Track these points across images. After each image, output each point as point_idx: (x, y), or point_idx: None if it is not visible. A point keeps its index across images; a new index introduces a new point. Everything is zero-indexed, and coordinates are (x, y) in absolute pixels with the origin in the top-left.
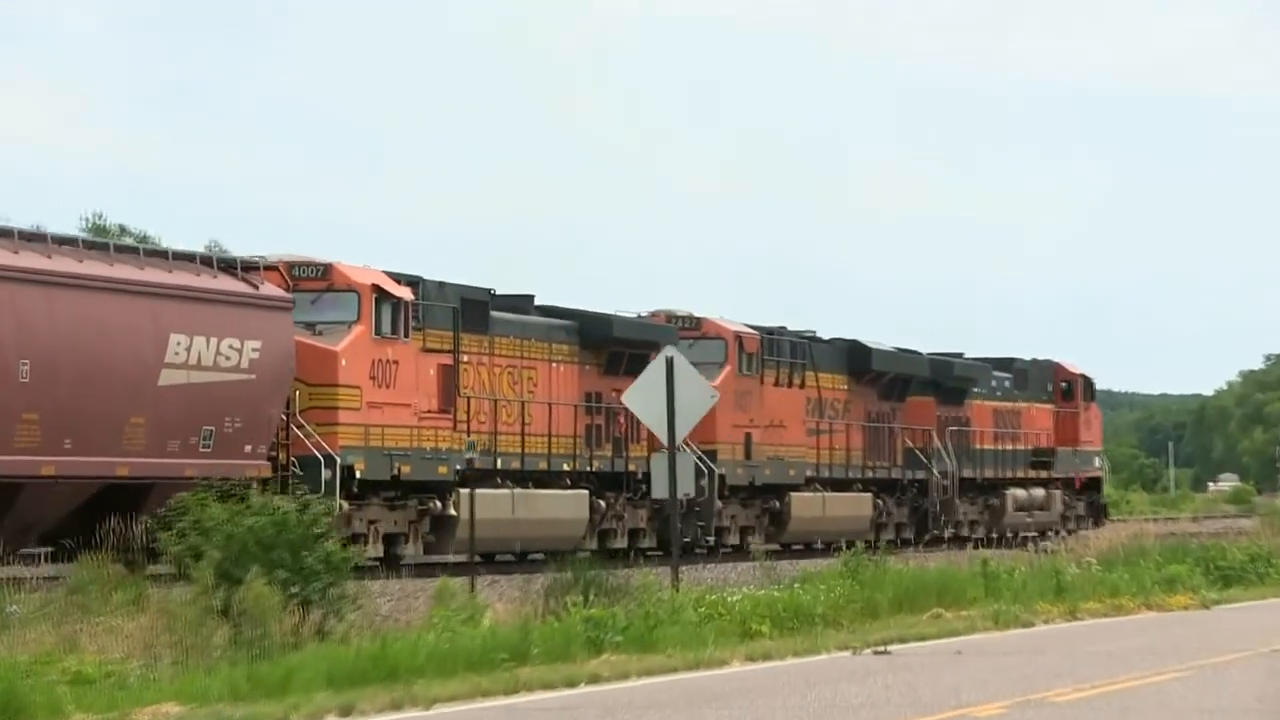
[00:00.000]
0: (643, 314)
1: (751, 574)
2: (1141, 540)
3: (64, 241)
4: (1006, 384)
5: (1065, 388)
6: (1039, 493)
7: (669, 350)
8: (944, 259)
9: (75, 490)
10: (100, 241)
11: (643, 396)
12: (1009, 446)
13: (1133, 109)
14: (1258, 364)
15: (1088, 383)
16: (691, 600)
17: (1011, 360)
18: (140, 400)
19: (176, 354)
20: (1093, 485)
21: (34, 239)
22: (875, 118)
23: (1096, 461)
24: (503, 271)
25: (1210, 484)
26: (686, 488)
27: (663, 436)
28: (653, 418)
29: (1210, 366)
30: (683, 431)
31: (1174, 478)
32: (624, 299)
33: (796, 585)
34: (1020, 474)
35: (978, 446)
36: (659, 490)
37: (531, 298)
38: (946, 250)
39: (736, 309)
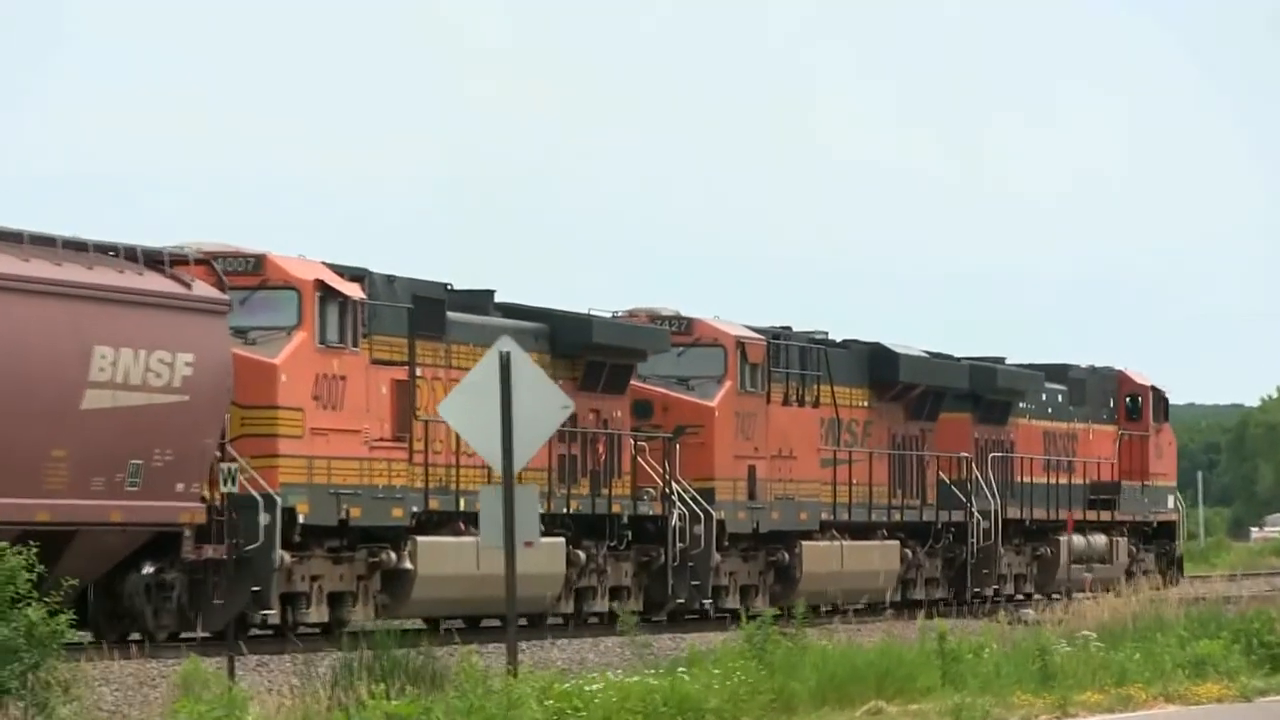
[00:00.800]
0: (618, 313)
1: (618, 653)
2: (1160, 607)
3: None
4: (1059, 398)
5: (1131, 404)
6: (1100, 540)
7: (504, 343)
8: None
9: None
10: (10, 230)
11: (466, 407)
12: (1063, 480)
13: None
14: None
15: (1159, 397)
16: (536, 691)
17: (1066, 368)
18: (62, 428)
19: (102, 370)
20: (1165, 531)
21: None
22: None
23: (1170, 500)
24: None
25: (1255, 529)
26: (529, 532)
27: (492, 460)
28: (480, 436)
29: (1255, 367)
30: (524, 455)
31: (1204, 520)
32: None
33: (681, 670)
34: (1077, 515)
35: (1025, 479)
36: (490, 537)
37: (491, 294)
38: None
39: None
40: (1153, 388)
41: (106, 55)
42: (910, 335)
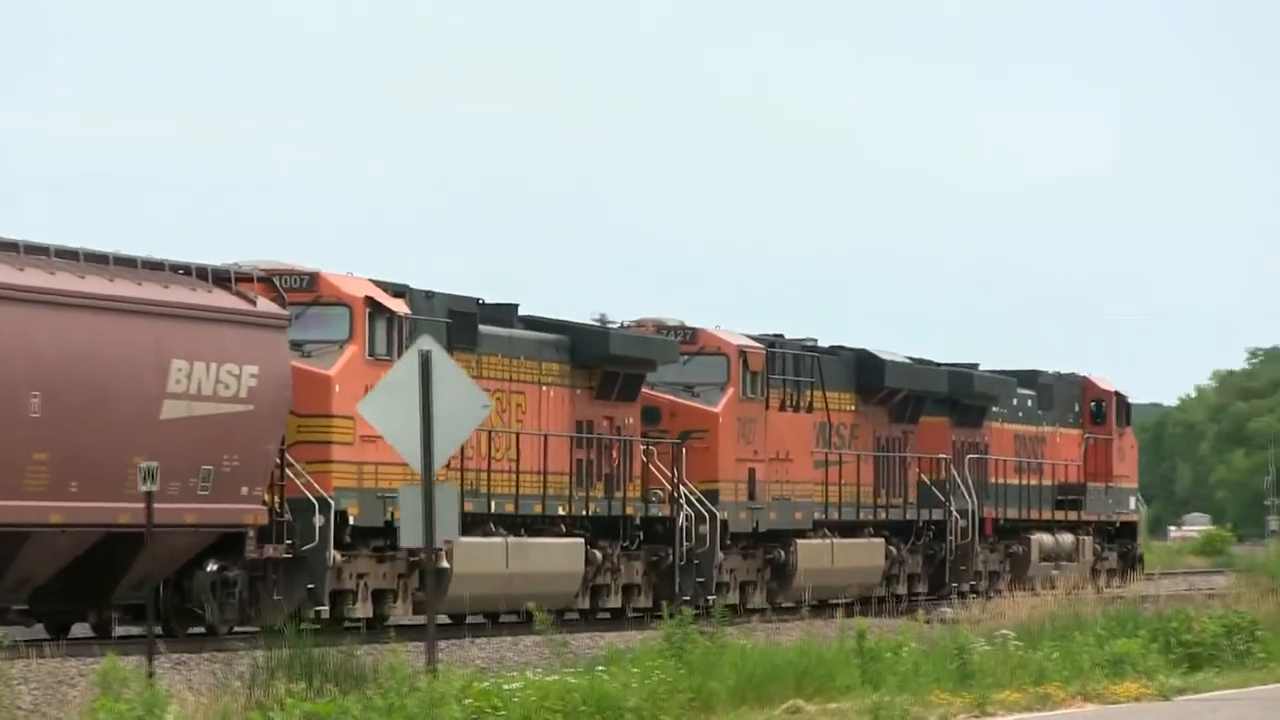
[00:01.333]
0: (625, 323)
1: (537, 651)
2: (1077, 606)
3: (64, 254)
4: (1029, 403)
5: (1095, 408)
6: (1067, 539)
7: (425, 341)
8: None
9: (76, 541)
10: (99, 253)
11: (386, 405)
12: (1033, 481)
13: None
14: (1238, 363)
15: (1122, 402)
16: (456, 690)
17: (1035, 373)
18: (143, 436)
19: (178, 382)
20: (1127, 530)
21: (36, 251)
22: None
23: (1132, 501)
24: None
25: (1173, 528)
26: (449, 531)
27: (411, 459)
28: (399, 434)
29: (1174, 366)
30: (443, 453)
31: None
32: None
33: (600, 669)
34: (1045, 515)
35: (998, 480)
36: (409, 537)
37: (515, 307)
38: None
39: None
40: (1116, 393)
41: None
42: (856, 335)
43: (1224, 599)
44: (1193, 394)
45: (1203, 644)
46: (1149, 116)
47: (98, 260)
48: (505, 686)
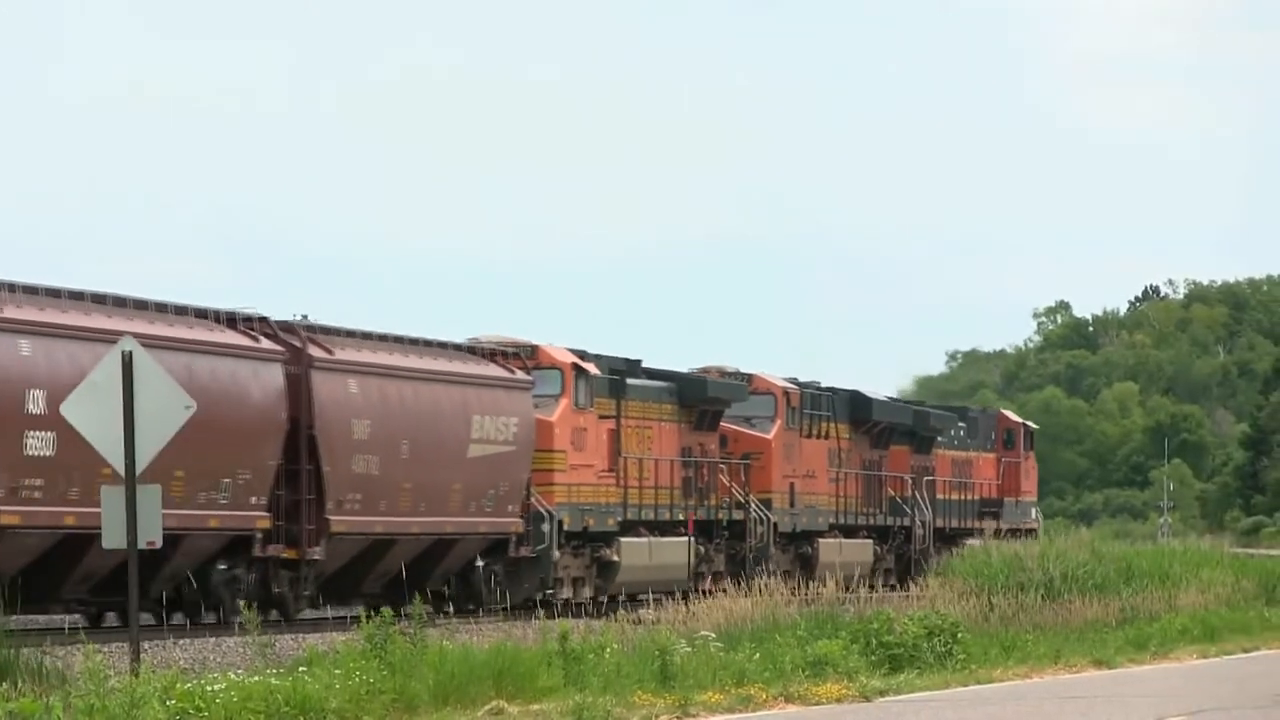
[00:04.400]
0: (693, 370)
1: (240, 653)
2: (775, 609)
3: (412, 341)
4: (961, 432)
5: (1007, 437)
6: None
7: (126, 343)
8: None
9: (420, 544)
10: (428, 340)
11: (88, 406)
12: (965, 496)
13: None
14: (938, 366)
15: (1028, 432)
16: (158, 690)
17: (965, 409)
18: (457, 470)
19: (477, 431)
20: (1031, 534)
21: (401, 340)
22: None
23: (1033, 512)
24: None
25: None
26: (151, 532)
27: (114, 459)
28: (102, 434)
29: (874, 368)
30: (147, 453)
31: None
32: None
33: (302, 670)
34: (972, 524)
35: (943, 496)
36: (112, 539)
37: (640, 362)
38: None
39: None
40: (1023, 424)
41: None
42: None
43: (925, 600)
44: (894, 397)
45: (904, 645)
46: None
47: (431, 344)
48: (208, 688)
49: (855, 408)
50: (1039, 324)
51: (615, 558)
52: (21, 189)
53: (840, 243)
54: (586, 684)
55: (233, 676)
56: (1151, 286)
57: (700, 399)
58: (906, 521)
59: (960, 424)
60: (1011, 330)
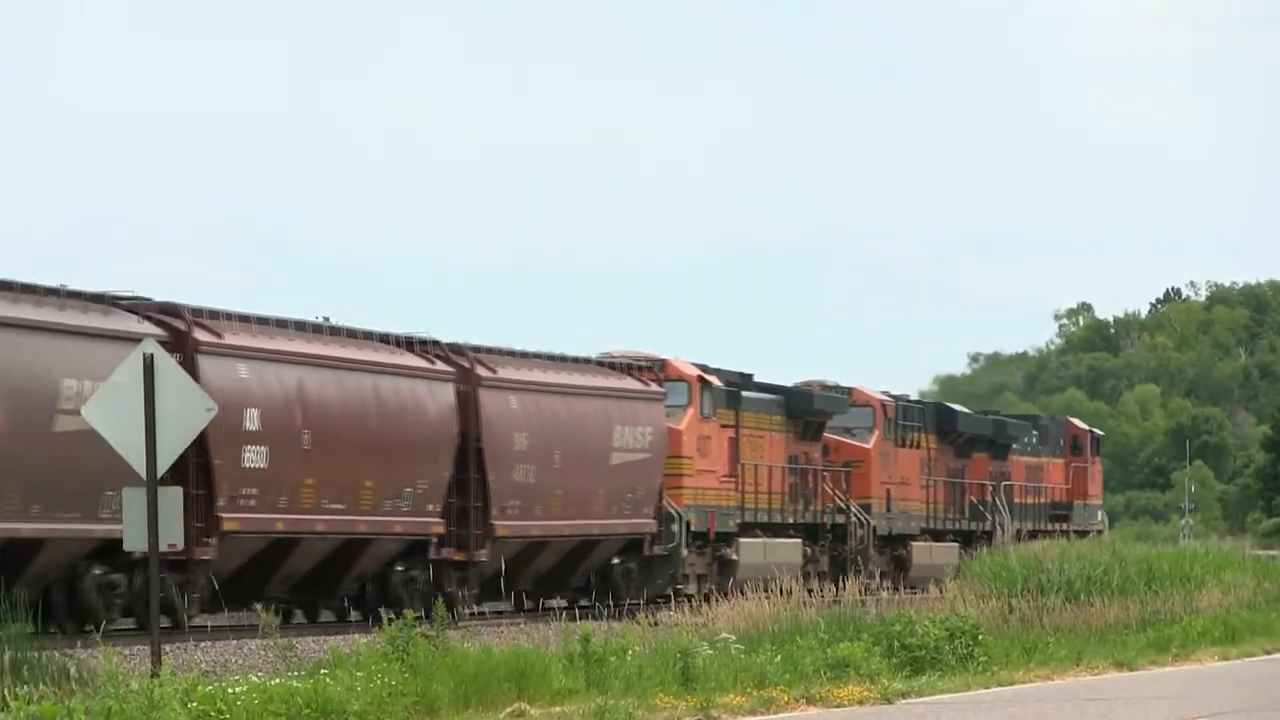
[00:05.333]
0: (798, 383)
1: (261, 655)
2: (797, 611)
3: (561, 358)
4: (1034, 440)
5: (1074, 443)
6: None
7: (148, 346)
8: None
9: (569, 544)
10: (574, 357)
11: (109, 410)
12: (1037, 500)
13: None
14: (960, 367)
15: (1094, 438)
16: (179, 693)
17: (1036, 417)
18: (602, 477)
19: (619, 440)
20: (1096, 537)
21: (549, 357)
22: None
23: (1099, 514)
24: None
25: None
26: (172, 535)
27: (135, 463)
28: (124, 437)
29: (896, 369)
30: (168, 456)
31: None
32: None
33: (323, 672)
34: (1044, 526)
35: (1017, 500)
36: (133, 541)
37: (752, 376)
38: None
39: None
40: (1090, 431)
41: None
42: None
43: (945, 603)
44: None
45: (925, 648)
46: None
47: (579, 361)
48: (229, 690)
49: (942, 419)
50: (1060, 326)
51: (735, 556)
52: (20, 190)
53: (861, 244)
54: (608, 686)
55: (254, 679)
56: (1173, 288)
57: (806, 411)
58: (988, 526)
59: (1033, 432)
60: (1033, 332)
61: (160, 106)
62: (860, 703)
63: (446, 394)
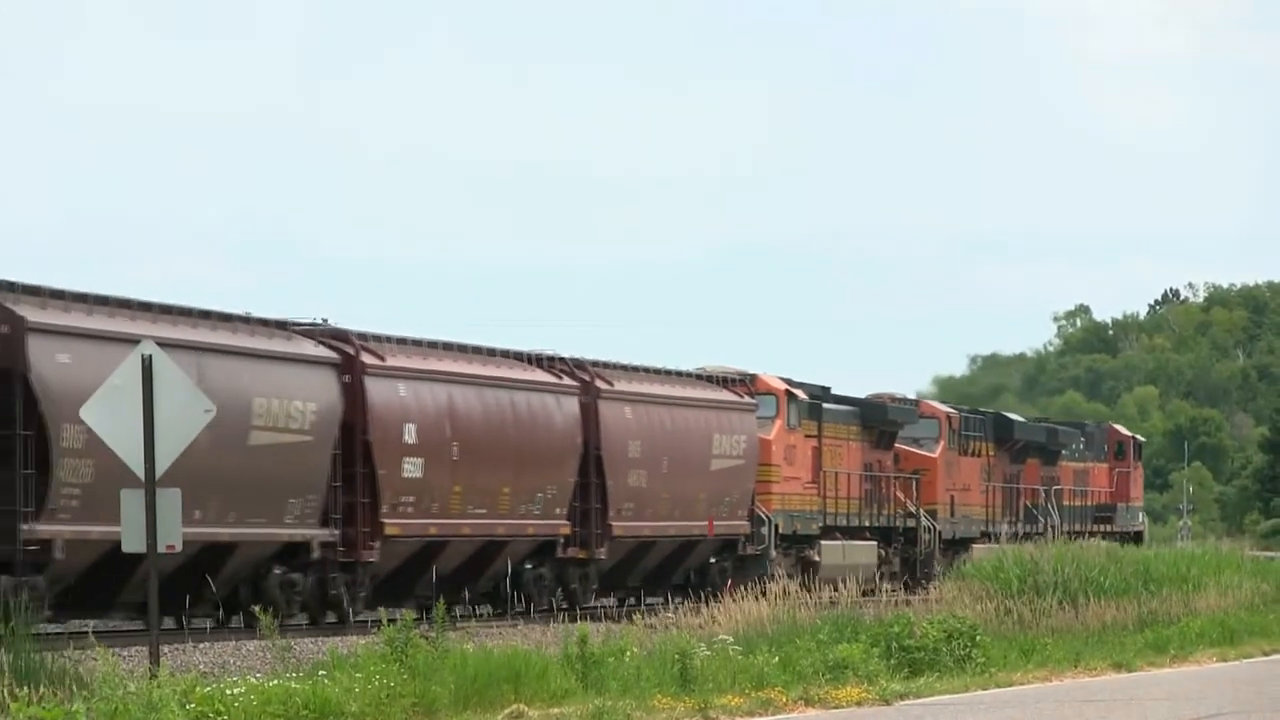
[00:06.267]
0: (869, 395)
1: (259, 656)
2: (795, 612)
3: (666, 372)
4: (1081, 446)
5: (1118, 449)
6: (1104, 544)
7: (146, 347)
8: None
9: (675, 544)
10: (677, 371)
11: (108, 411)
12: (1084, 503)
13: None
14: (959, 369)
15: (1136, 444)
16: (177, 694)
17: (1083, 424)
18: (702, 482)
19: (717, 448)
20: (1137, 538)
21: (655, 371)
22: None
23: (1140, 516)
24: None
25: None
26: (170, 536)
27: (133, 463)
28: (122, 439)
29: (894, 370)
30: (167, 457)
31: None
32: None
33: (322, 673)
34: (1090, 528)
35: (1066, 504)
36: (132, 543)
37: (830, 388)
38: None
39: None
40: (1132, 437)
41: None
42: None
43: (944, 604)
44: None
45: (924, 649)
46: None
47: (682, 375)
48: (228, 691)
49: (999, 428)
50: (1059, 327)
51: (817, 558)
52: (21, 190)
53: (861, 246)
54: (605, 688)
55: (252, 680)
56: (1171, 290)
57: (880, 421)
58: (1040, 528)
59: (1080, 438)
60: (1031, 334)
61: (159, 106)
62: (858, 704)
63: (572, 406)
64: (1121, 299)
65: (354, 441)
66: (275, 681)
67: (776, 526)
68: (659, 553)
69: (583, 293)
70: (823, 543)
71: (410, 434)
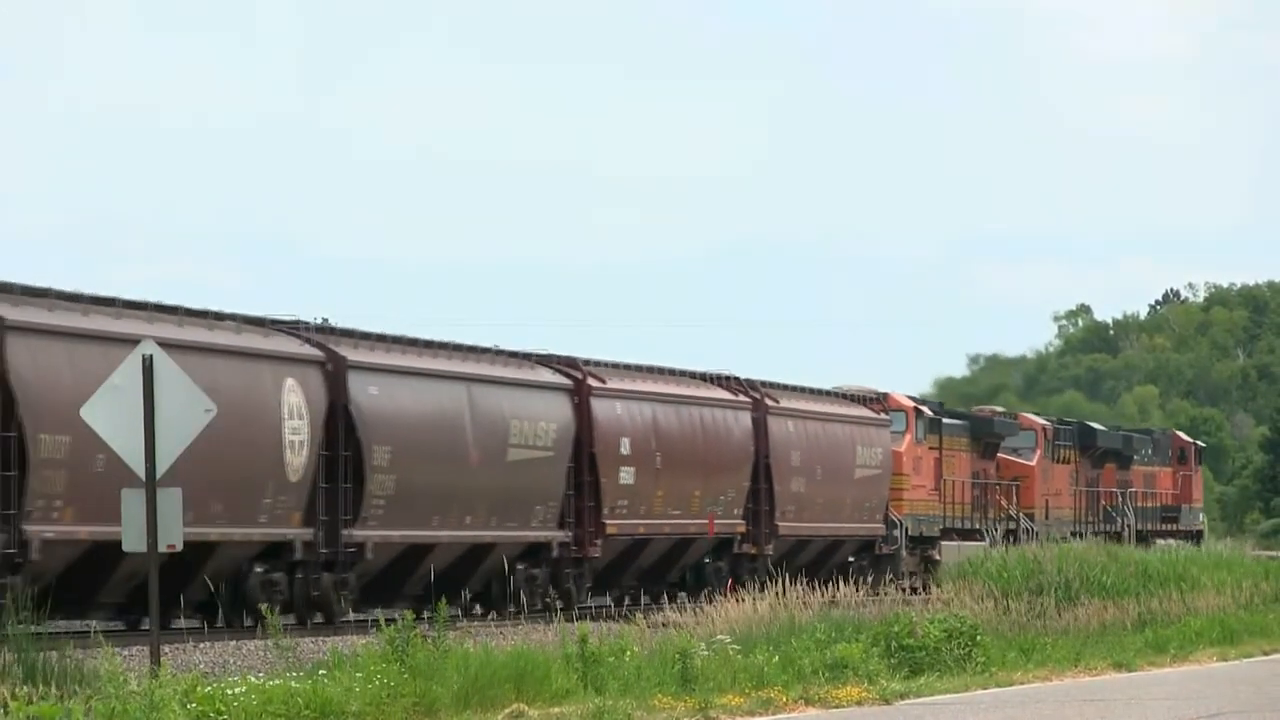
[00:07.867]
0: (973, 410)
1: (260, 656)
2: (793, 611)
3: (814, 390)
4: (1149, 451)
5: (1180, 454)
6: (1172, 542)
7: (147, 346)
8: None
9: (819, 545)
10: (823, 390)
11: (108, 410)
12: (1152, 504)
13: None
14: (959, 369)
15: (1198, 449)
16: (178, 694)
17: (1150, 431)
18: (847, 489)
19: (860, 459)
20: (1198, 537)
21: (806, 389)
22: None
23: (1200, 517)
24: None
25: None
26: (171, 536)
27: (133, 463)
28: (122, 438)
29: (895, 370)
30: (167, 457)
31: None
32: None
33: (322, 673)
34: (1158, 527)
35: (1138, 505)
36: (132, 542)
37: (943, 404)
38: None
39: None
40: (1194, 443)
41: None
42: None
43: (944, 604)
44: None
45: (924, 648)
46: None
47: (830, 393)
48: (228, 691)
49: (1084, 436)
50: (1059, 327)
51: (938, 556)
52: (19, 189)
53: (861, 246)
54: (605, 687)
55: (253, 680)
56: (1171, 290)
57: (986, 434)
58: (1117, 527)
59: (1149, 444)
60: (1032, 334)
61: (160, 105)
62: (859, 703)
63: (745, 421)
64: (1122, 299)
65: (582, 454)
66: (276, 681)
67: (906, 529)
68: (813, 549)
69: (582, 293)
70: (943, 543)
71: (625, 446)
